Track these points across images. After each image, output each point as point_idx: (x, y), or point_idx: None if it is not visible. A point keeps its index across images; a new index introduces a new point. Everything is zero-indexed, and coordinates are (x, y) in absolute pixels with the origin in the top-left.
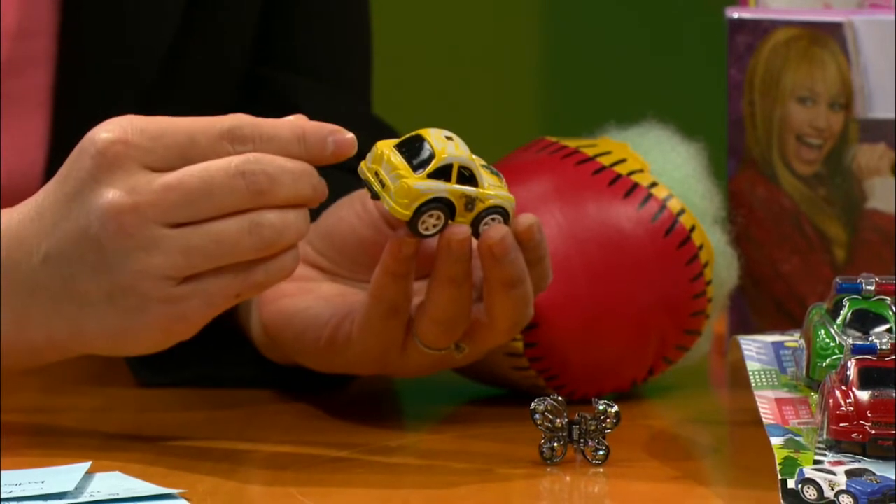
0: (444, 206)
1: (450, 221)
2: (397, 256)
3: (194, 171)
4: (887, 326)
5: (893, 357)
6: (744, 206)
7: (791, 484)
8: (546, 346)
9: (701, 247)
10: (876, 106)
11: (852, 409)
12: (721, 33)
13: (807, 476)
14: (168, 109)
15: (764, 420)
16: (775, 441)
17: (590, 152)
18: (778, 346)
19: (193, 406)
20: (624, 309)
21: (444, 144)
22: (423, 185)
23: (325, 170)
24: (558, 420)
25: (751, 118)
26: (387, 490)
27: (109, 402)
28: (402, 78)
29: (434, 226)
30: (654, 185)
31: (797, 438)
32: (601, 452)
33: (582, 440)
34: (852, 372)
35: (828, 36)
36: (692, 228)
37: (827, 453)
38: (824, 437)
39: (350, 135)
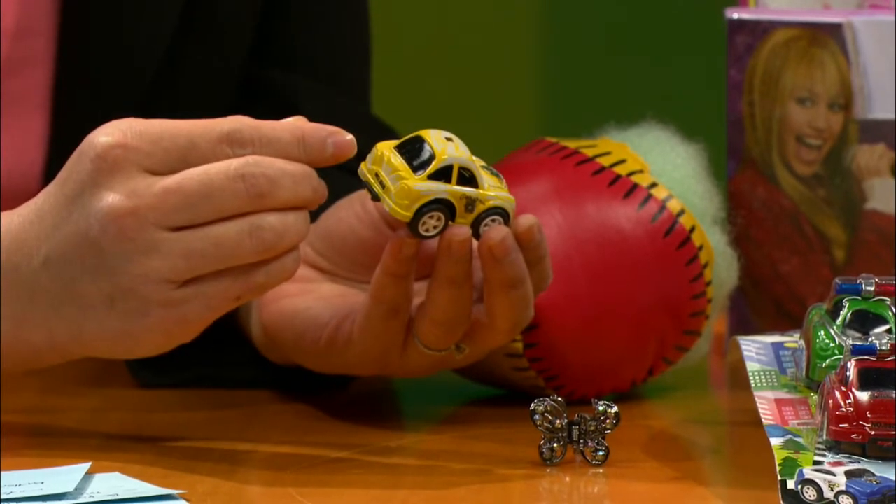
0: (445, 207)
1: (450, 222)
2: (397, 257)
3: (194, 174)
4: (887, 327)
5: (893, 358)
6: (743, 207)
7: (791, 484)
8: (546, 346)
9: (701, 247)
10: (875, 106)
11: (852, 409)
12: (721, 33)
13: (806, 477)
14: (167, 109)
15: (763, 421)
16: (775, 442)
17: (589, 153)
18: (778, 346)
19: (193, 406)
20: (624, 309)
21: (444, 145)
22: (423, 186)
23: (324, 170)
24: (558, 421)
25: (750, 118)
26: (386, 490)
27: (109, 403)
28: (402, 78)
29: (434, 227)
30: (653, 185)
31: (797, 439)
32: (601, 453)
33: (581, 441)
34: (852, 372)
35: (827, 36)
36: (692, 229)
37: (826, 454)
38: (824, 437)
39: (349, 136)
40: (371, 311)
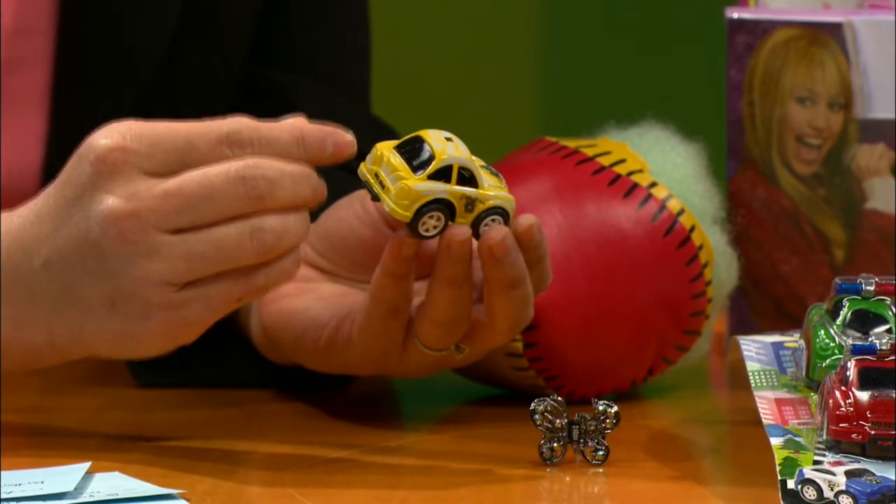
0: (445, 207)
1: (450, 223)
2: (397, 257)
3: (194, 176)
4: (887, 327)
5: (893, 357)
6: (743, 207)
7: (791, 484)
8: (546, 346)
9: (701, 247)
10: (875, 106)
11: (852, 409)
12: (721, 33)
13: (806, 476)
14: (167, 109)
15: (763, 420)
16: (775, 441)
17: (589, 152)
18: (777, 346)
19: (193, 406)
20: (624, 309)
21: (443, 146)
22: (423, 186)
23: (324, 170)
24: (558, 420)
25: (750, 118)
26: (386, 490)
27: (109, 403)
28: (402, 78)
29: (434, 227)
30: (653, 185)
31: (797, 439)
32: (601, 453)
33: (582, 440)
34: (852, 372)
35: (827, 36)
36: (692, 229)
37: (826, 454)
38: (824, 437)
39: (349, 136)
40: (371, 311)
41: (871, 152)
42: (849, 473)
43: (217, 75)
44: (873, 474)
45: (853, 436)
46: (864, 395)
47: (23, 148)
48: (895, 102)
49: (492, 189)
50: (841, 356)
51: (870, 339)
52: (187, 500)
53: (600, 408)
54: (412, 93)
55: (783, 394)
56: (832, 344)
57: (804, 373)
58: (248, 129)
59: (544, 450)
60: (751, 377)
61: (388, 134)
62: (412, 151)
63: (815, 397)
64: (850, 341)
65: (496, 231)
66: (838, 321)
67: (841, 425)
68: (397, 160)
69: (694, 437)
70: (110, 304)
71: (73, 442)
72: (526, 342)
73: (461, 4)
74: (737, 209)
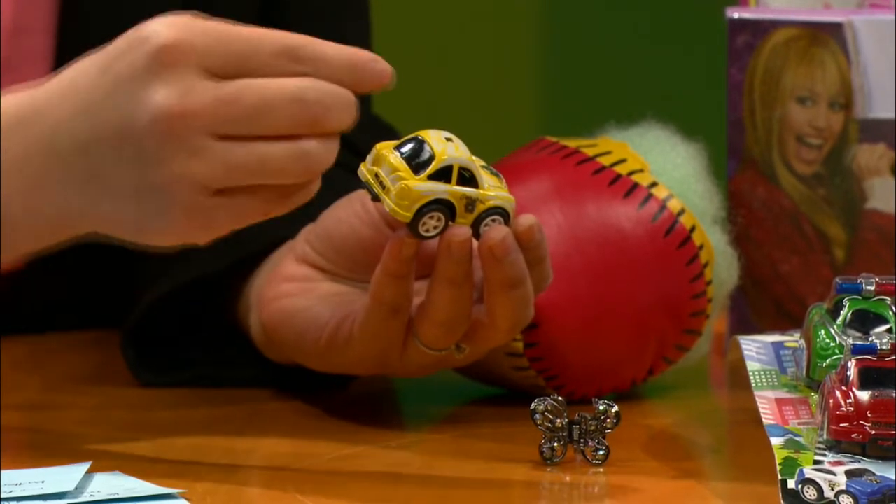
0: (445, 207)
1: (450, 223)
2: (397, 257)
3: (253, 87)
4: (887, 326)
5: (893, 357)
6: (744, 206)
7: (791, 484)
8: (546, 346)
9: (701, 247)
10: (876, 106)
11: (852, 409)
12: (721, 33)
13: (807, 476)
14: None
15: (764, 420)
16: (775, 441)
17: (590, 152)
18: (778, 346)
19: (193, 405)
20: (624, 309)
21: (444, 146)
22: (423, 186)
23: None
24: (558, 420)
25: (751, 118)
26: (387, 490)
27: (109, 402)
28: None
29: (435, 227)
30: (654, 185)
31: (797, 438)
32: (601, 452)
33: (582, 440)
34: (852, 372)
35: (828, 36)
36: (692, 228)
37: (827, 453)
38: (824, 437)
39: (390, 68)
40: (371, 311)
41: (871, 152)
42: (849, 473)
43: None
44: (873, 474)
45: (853, 435)
46: (864, 395)
47: None
48: (895, 102)
49: (492, 189)
50: (841, 356)
51: (870, 339)
52: (187, 499)
53: (601, 407)
54: (412, 93)
55: (783, 393)
56: (832, 344)
57: (804, 373)
58: (310, 47)
59: (544, 449)
60: (751, 377)
61: (389, 133)
62: (412, 151)
63: (815, 397)
64: (850, 341)
65: (496, 231)
66: (838, 321)
67: (841, 425)
68: (397, 160)
69: (694, 437)
70: (135, 194)
71: (73, 441)
72: (526, 342)
73: (461, 4)
74: (737, 209)
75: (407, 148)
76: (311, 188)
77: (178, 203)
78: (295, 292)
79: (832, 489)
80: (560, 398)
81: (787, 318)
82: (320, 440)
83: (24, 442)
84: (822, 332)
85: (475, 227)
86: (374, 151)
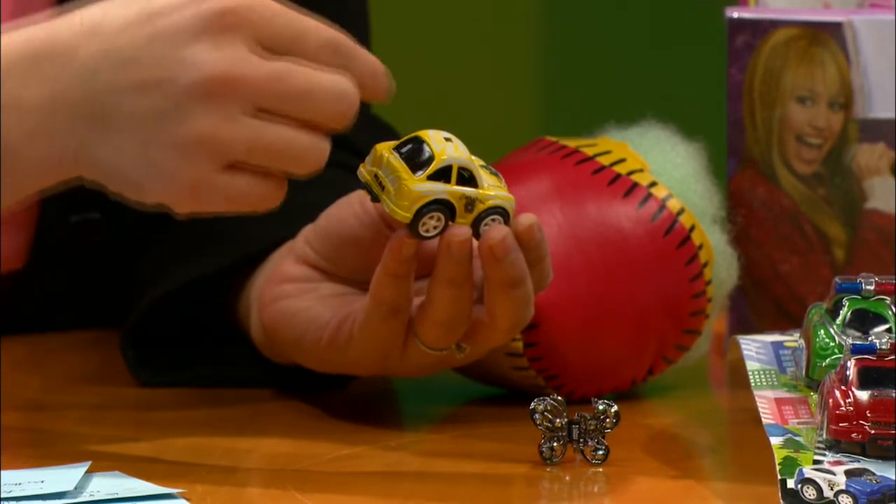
0: (445, 207)
1: (450, 223)
2: (397, 257)
3: (303, 72)
4: (887, 326)
5: (893, 357)
6: (744, 206)
7: (791, 484)
8: (546, 345)
9: (700, 246)
10: (875, 106)
11: (852, 408)
12: (721, 33)
13: (806, 476)
14: None
15: (763, 420)
16: (775, 441)
17: (589, 152)
18: (777, 345)
19: (193, 405)
20: (624, 309)
21: (443, 146)
22: (423, 187)
23: (324, 170)
24: (558, 420)
25: (751, 118)
26: (387, 490)
27: (109, 401)
28: (402, 78)
29: (434, 227)
30: (653, 184)
31: (797, 438)
32: (601, 452)
33: (581, 440)
34: (852, 372)
35: (828, 36)
36: (692, 228)
37: (826, 453)
38: (824, 436)
39: (393, 84)
40: (371, 311)
41: (871, 152)
42: (849, 473)
43: None
44: (873, 474)
45: (853, 435)
46: (863, 395)
47: None
48: (895, 102)
49: (492, 189)
50: (841, 356)
51: (870, 339)
52: (187, 499)
53: (600, 407)
54: (412, 93)
55: (783, 393)
56: (832, 343)
57: (804, 372)
58: (349, 45)
59: (544, 449)
60: (751, 376)
61: (388, 134)
62: (412, 152)
63: (814, 397)
64: (849, 341)
65: (496, 231)
66: (838, 321)
67: (841, 425)
68: (397, 161)
69: (694, 437)
70: (142, 149)
71: (73, 440)
72: (526, 342)
73: (461, 4)
74: (737, 209)
75: (406, 148)
76: (281, 195)
77: (183, 168)
78: (295, 293)
79: (832, 489)
80: (560, 398)
81: (786, 317)
82: (320, 440)
83: (24, 442)
84: (822, 331)
85: (475, 226)
86: (373, 152)
